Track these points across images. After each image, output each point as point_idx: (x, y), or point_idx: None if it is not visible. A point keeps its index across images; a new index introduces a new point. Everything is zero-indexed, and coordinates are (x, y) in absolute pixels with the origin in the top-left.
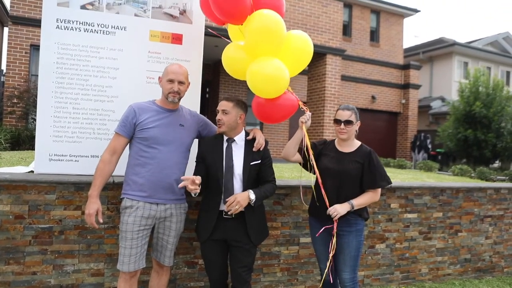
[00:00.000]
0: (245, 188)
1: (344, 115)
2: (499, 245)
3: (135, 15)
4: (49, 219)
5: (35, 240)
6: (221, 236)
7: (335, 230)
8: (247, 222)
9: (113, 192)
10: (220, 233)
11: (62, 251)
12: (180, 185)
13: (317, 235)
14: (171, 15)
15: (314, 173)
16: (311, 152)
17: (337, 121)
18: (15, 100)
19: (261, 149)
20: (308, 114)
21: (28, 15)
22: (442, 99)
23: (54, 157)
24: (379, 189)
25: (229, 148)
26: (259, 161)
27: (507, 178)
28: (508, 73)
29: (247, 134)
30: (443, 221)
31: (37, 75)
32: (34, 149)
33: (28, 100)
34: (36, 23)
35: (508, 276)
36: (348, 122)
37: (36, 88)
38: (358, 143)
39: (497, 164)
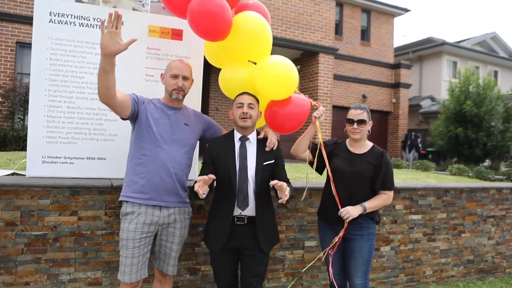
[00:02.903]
0: (257, 190)
1: (357, 114)
2: (501, 246)
3: (133, 9)
4: (43, 226)
5: (28, 248)
6: (234, 244)
7: (342, 232)
8: (257, 228)
9: (111, 196)
10: (232, 242)
11: (57, 259)
12: (196, 187)
13: (323, 247)
14: None
15: (320, 172)
16: (323, 149)
17: (349, 121)
18: (0, 99)
19: (274, 149)
20: (321, 109)
21: (14, 11)
22: (432, 98)
23: (48, 159)
24: (392, 192)
25: (243, 147)
26: (273, 161)
27: (505, 177)
28: (496, 72)
29: (257, 133)
30: (447, 222)
31: (24, 74)
32: (21, 150)
33: (14, 99)
34: (22, 19)
35: (510, 276)
36: (361, 122)
37: (22, 86)
38: (370, 144)
39: (487, 163)
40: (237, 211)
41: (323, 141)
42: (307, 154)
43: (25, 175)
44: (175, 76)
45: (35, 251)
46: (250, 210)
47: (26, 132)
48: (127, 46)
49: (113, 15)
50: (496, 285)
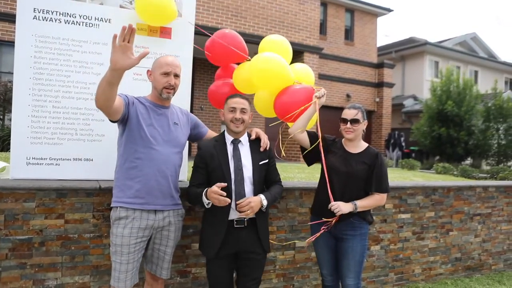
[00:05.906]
0: (256, 191)
1: (351, 113)
2: (487, 243)
3: (121, 6)
4: (28, 230)
5: (12, 253)
6: (232, 250)
7: (333, 222)
8: (258, 229)
9: (99, 198)
10: (231, 247)
11: (43, 264)
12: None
13: (313, 239)
14: None
15: (309, 163)
16: (320, 132)
17: (343, 120)
18: None
19: (267, 149)
20: (323, 90)
21: None
22: (414, 98)
23: (32, 160)
24: (385, 194)
25: (236, 149)
26: (267, 161)
27: (489, 175)
28: (476, 72)
29: (248, 134)
30: (435, 221)
31: (2, 72)
32: (0, 151)
33: None
34: (0, 16)
35: (496, 273)
36: (354, 121)
37: (1, 85)
38: (365, 144)
39: (468, 161)
40: (234, 215)
41: (322, 135)
42: (305, 136)
43: (8, 177)
44: (167, 74)
45: (20, 256)
46: None
47: (6, 132)
48: (139, 60)
49: (126, 29)
50: (482, 281)
